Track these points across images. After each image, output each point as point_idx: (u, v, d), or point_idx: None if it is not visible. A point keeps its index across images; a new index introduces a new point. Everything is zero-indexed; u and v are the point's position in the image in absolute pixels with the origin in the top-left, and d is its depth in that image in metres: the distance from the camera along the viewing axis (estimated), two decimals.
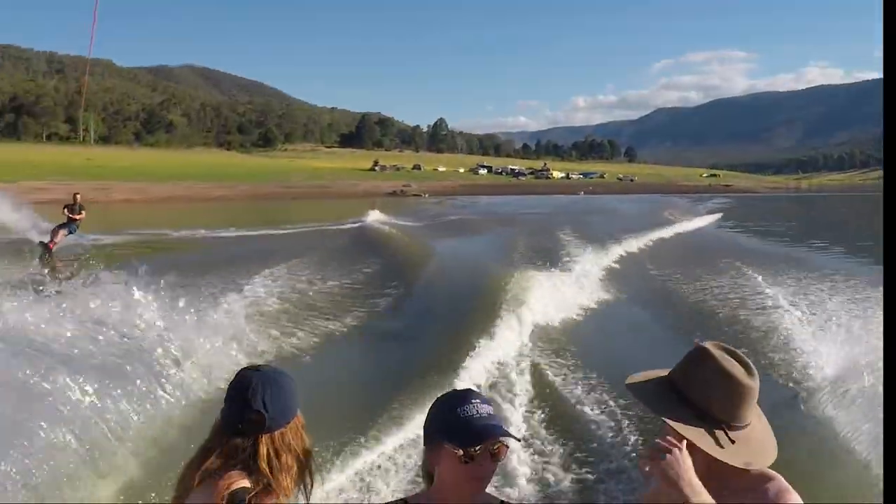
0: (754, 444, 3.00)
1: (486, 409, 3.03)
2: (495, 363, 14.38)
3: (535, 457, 10.21)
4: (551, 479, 9.59)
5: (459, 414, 3.03)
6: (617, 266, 30.15)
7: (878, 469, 8.77)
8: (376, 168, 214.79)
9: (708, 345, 3.05)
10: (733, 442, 2.94)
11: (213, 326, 15.12)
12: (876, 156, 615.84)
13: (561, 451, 10.40)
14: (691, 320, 19.91)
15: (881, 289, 12.62)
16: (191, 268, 23.93)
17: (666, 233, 45.28)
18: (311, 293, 22.12)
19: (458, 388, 9.38)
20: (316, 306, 20.28)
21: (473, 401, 3.06)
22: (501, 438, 3.00)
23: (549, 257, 26.32)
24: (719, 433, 2.94)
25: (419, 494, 3.24)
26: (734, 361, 3.00)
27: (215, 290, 19.34)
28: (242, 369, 3.10)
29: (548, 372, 14.29)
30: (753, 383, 2.99)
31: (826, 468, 9.47)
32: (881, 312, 12.33)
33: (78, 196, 36.36)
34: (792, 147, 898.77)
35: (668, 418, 2.96)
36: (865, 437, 9.84)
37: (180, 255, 35.35)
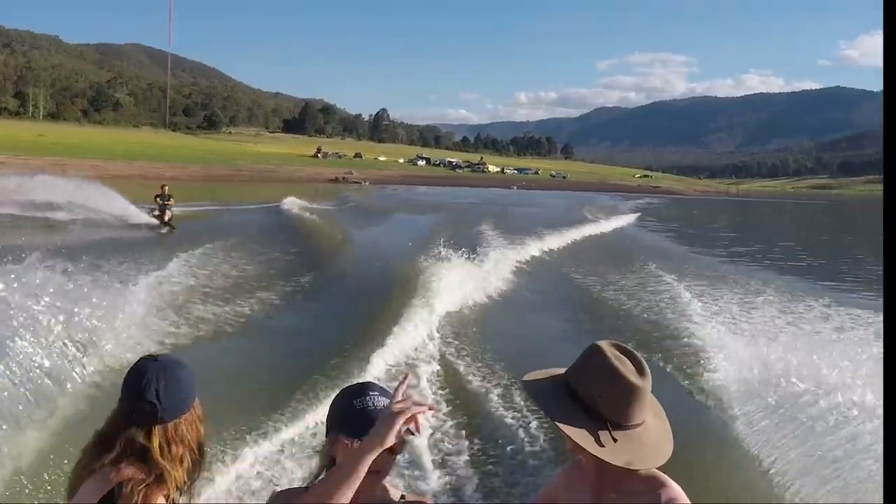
0: (643, 444, 3.00)
1: (382, 402, 3.08)
2: (404, 353, 14.55)
3: (439, 449, 10.30)
4: (455, 471, 9.70)
5: (356, 406, 3.10)
6: (532, 260, 30.67)
7: (775, 470, 9.50)
8: (319, 155, 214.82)
9: (602, 343, 3.06)
10: (615, 441, 2.94)
11: (119, 311, 15.02)
12: (808, 165, 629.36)
13: (466, 443, 10.56)
14: (601, 317, 20.44)
15: (786, 293, 20.72)
16: (114, 248, 24.62)
17: (583, 230, 45.75)
18: (226, 277, 22.16)
19: (364, 378, 10.33)
20: (228, 291, 20.22)
21: (371, 393, 3.13)
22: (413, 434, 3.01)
23: (467, 248, 25.72)
24: (603, 432, 2.94)
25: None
26: (626, 360, 3.01)
27: (129, 273, 19.88)
28: (140, 359, 3.12)
29: (456, 364, 14.44)
30: (643, 383, 2.99)
31: (726, 469, 9.87)
32: (785, 315, 18.23)
33: (165, 187, 39.12)
34: (729, 152, 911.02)
35: (553, 416, 2.99)
36: (765, 440, 10.33)
37: (108, 233, 34.28)
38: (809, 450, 9.56)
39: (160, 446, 2.96)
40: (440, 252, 23.80)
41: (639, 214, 72.89)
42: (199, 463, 3.10)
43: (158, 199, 38.92)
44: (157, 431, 2.98)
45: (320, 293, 21.32)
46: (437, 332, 16.63)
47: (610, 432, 2.91)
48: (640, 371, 2.97)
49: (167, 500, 2.95)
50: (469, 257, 24.51)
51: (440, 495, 9.01)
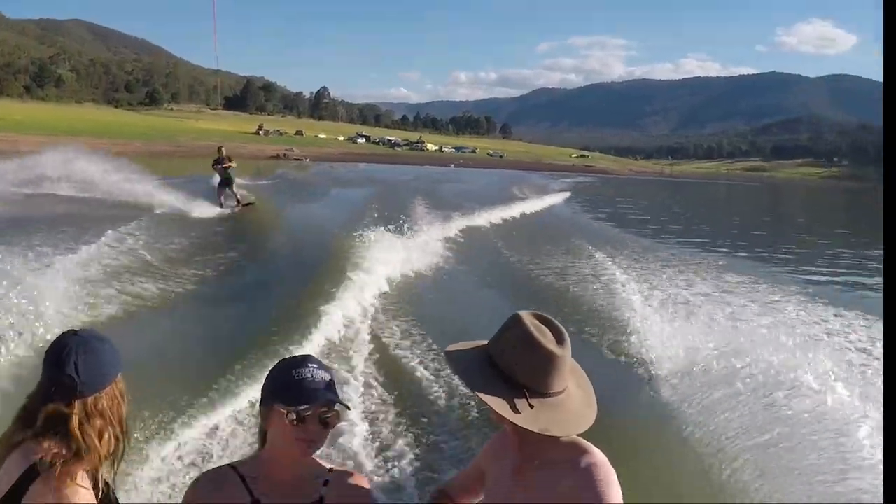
0: (562, 412, 3.01)
1: (320, 375, 3.11)
2: (336, 330, 14.41)
3: (373, 423, 10.34)
4: (386, 445, 9.72)
5: (294, 376, 3.11)
6: (463, 236, 30.45)
7: (702, 448, 9.43)
8: (260, 132, 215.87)
9: (522, 313, 3.07)
10: (532, 407, 2.95)
11: (45, 289, 14.67)
12: (742, 148, 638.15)
13: (398, 418, 10.61)
14: (532, 292, 20.38)
15: (716, 272, 22.65)
16: (51, 225, 23.91)
17: (513, 208, 44.95)
18: (154, 253, 21.63)
19: (298, 353, 9.90)
20: (158, 267, 19.90)
21: (310, 365, 3.15)
22: (335, 406, 3.10)
23: (400, 223, 25.86)
24: (520, 400, 2.95)
25: (247, 460, 3.33)
26: (545, 329, 3.03)
27: (62, 247, 19.58)
28: (61, 333, 3.07)
29: (388, 339, 14.46)
30: (562, 352, 3.00)
31: (654, 438, 9.94)
32: (716, 292, 19.57)
33: (223, 148, 36.68)
34: (665, 134, 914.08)
35: (471, 385, 3.01)
36: (694, 417, 10.32)
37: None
38: (737, 417, 9.96)
39: (80, 421, 2.93)
40: (373, 228, 23.95)
41: (569, 193, 72.39)
42: (122, 438, 3.10)
43: (216, 166, 36.37)
44: (76, 405, 2.95)
45: (250, 271, 21.12)
46: (370, 307, 16.67)
47: (527, 399, 2.95)
48: (560, 340, 3.02)
49: (90, 476, 2.93)
50: (401, 233, 24.86)
51: (371, 468, 9.10)
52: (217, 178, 36.37)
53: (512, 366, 2.96)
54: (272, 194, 45.73)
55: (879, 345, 14.66)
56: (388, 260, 20.68)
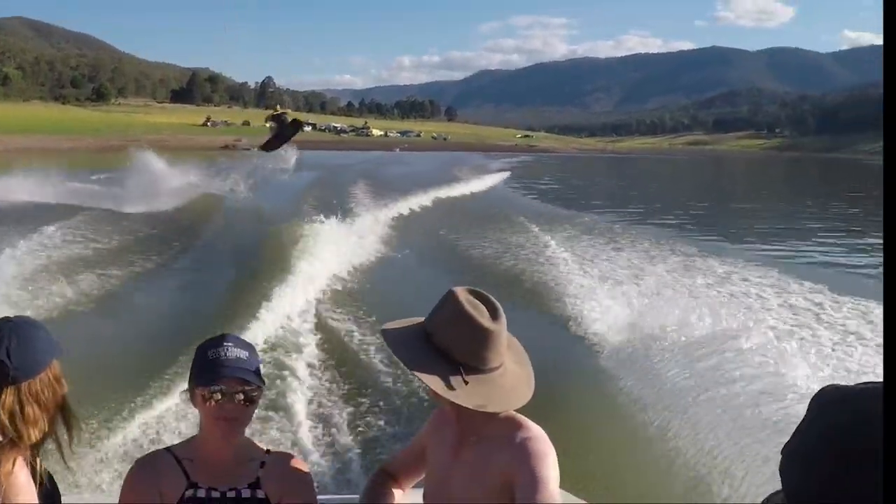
0: (498, 387, 3.00)
1: (236, 353, 3.10)
2: (281, 316, 14.46)
3: (318, 405, 10.55)
4: (330, 425, 9.95)
5: (208, 356, 3.10)
6: (405, 218, 30.99)
7: (649, 423, 9.67)
8: (209, 124, 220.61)
9: (457, 289, 3.07)
10: (467, 384, 2.94)
11: None
12: (684, 122, 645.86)
13: (344, 399, 10.87)
14: (474, 271, 20.58)
15: (657, 246, 24.59)
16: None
17: (452, 189, 45.96)
18: (96, 248, 21.78)
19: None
20: (99, 260, 20.08)
21: (226, 343, 3.12)
22: (250, 383, 3.07)
23: (343, 209, 26.10)
24: (455, 376, 2.94)
25: (184, 443, 3.31)
26: (479, 304, 3.02)
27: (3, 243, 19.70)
28: None
29: (334, 321, 14.67)
30: (496, 327, 2.99)
31: (595, 416, 10.13)
32: (654, 266, 20.85)
33: (278, 106, 40.42)
34: (608, 111, 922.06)
35: (406, 362, 3.02)
36: (636, 386, 10.61)
37: None
38: (677, 382, 10.28)
39: (11, 407, 2.83)
40: (316, 213, 24.20)
41: (508, 174, 72.63)
42: (57, 423, 2.97)
43: (271, 123, 40.20)
44: (8, 391, 2.85)
45: (195, 262, 21.40)
46: (314, 291, 16.78)
47: (462, 376, 2.94)
48: (494, 315, 3.02)
49: (27, 464, 2.84)
50: (345, 217, 25.13)
51: (316, 450, 9.25)
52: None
53: (447, 342, 2.99)
54: (222, 182, 48.16)
55: (817, 302, 16.41)
56: (331, 244, 20.98)
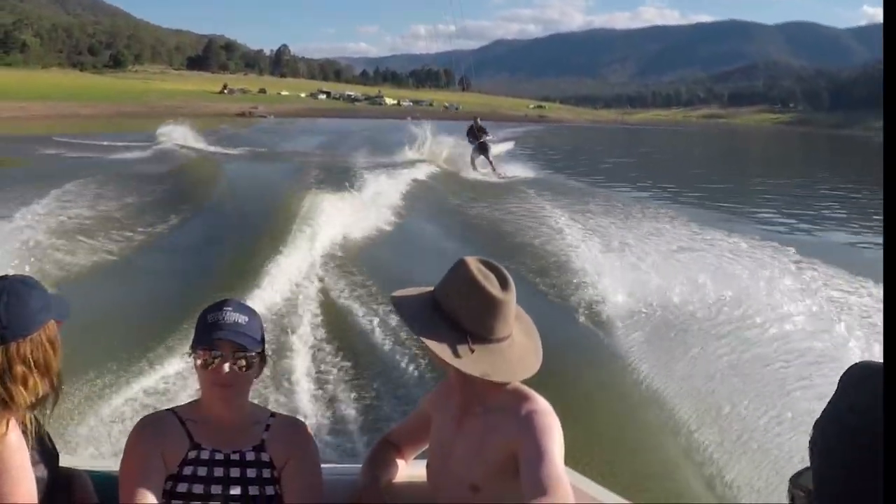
0: (505, 358, 3.01)
1: (234, 318, 3.13)
2: (286, 287, 14.30)
3: (320, 374, 10.44)
4: (335, 395, 9.80)
5: (207, 320, 3.14)
6: (407, 187, 29.82)
7: (659, 401, 9.36)
8: (225, 91, 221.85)
9: (468, 258, 3.09)
10: (473, 352, 2.96)
11: None
12: (700, 95, 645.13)
13: (346, 368, 10.68)
14: (474, 240, 20.31)
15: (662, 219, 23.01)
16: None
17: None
18: (99, 213, 21.57)
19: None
20: (103, 226, 19.85)
21: (225, 308, 3.16)
22: (246, 348, 3.10)
23: (350, 178, 25.88)
24: (461, 344, 2.96)
25: (188, 404, 3.35)
26: (490, 274, 3.04)
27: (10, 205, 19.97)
28: None
29: (337, 290, 14.41)
30: (506, 297, 3.02)
31: (602, 390, 9.85)
32: (659, 241, 18.81)
33: (478, 119, 38.52)
34: (624, 83, 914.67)
35: (414, 328, 3.06)
36: (648, 367, 10.23)
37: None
38: (689, 364, 9.97)
39: (1, 367, 2.79)
40: (322, 180, 24.35)
41: (512, 144, 66.01)
42: (50, 386, 2.93)
43: (471, 139, 37.73)
44: None
45: (198, 229, 20.91)
46: (319, 260, 16.52)
47: (469, 344, 2.96)
48: (504, 285, 3.04)
49: (20, 424, 2.84)
50: (350, 185, 24.72)
51: (318, 419, 9.13)
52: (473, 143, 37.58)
53: (456, 310, 3.01)
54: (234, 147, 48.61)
55: (813, 273, 15.58)
56: (337, 211, 20.58)
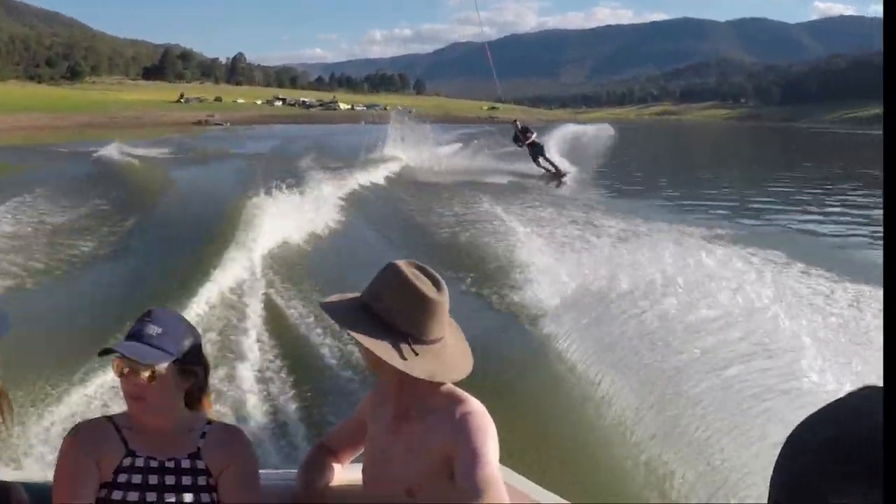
0: (443, 359, 3.05)
1: (150, 329, 3.06)
2: (228, 290, 14.30)
3: (263, 380, 10.38)
4: (277, 400, 9.77)
5: (130, 331, 3.09)
6: (350, 190, 29.78)
7: (594, 397, 9.31)
8: (182, 100, 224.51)
9: (399, 262, 3.11)
10: (416, 354, 2.97)
11: None
12: (653, 93, 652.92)
13: (289, 374, 10.59)
14: (423, 245, 19.91)
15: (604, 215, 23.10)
16: None
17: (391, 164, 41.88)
18: (39, 224, 21.47)
19: (188, 314, 11.19)
20: (46, 237, 19.81)
21: (145, 319, 3.11)
22: (144, 360, 3.01)
23: (293, 182, 25.29)
24: (404, 346, 2.97)
25: (125, 412, 3.24)
26: (421, 275, 3.07)
27: None
28: None
29: (280, 296, 14.38)
30: (440, 298, 3.04)
31: (534, 387, 9.82)
32: (597, 238, 18.72)
33: (518, 122, 37.92)
34: (580, 83, 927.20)
35: (354, 331, 3.02)
36: (584, 363, 10.11)
37: None
38: (618, 352, 9.91)
39: None
40: (267, 185, 23.47)
41: (459, 145, 63.54)
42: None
43: (520, 145, 37.23)
44: None
45: (140, 238, 20.71)
46: (262, 266, 16.43)
47: (410, 346, 2.98)
48: (437, 286, 3.07)
49: None
50: (294, 190, 24.44)
51: (259, 424, 9.17)
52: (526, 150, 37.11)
53: (392, 313, 3.01)
54: (173, 154, 49.49)
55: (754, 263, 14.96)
56: (280, 216, 20.68)
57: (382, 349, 2.96)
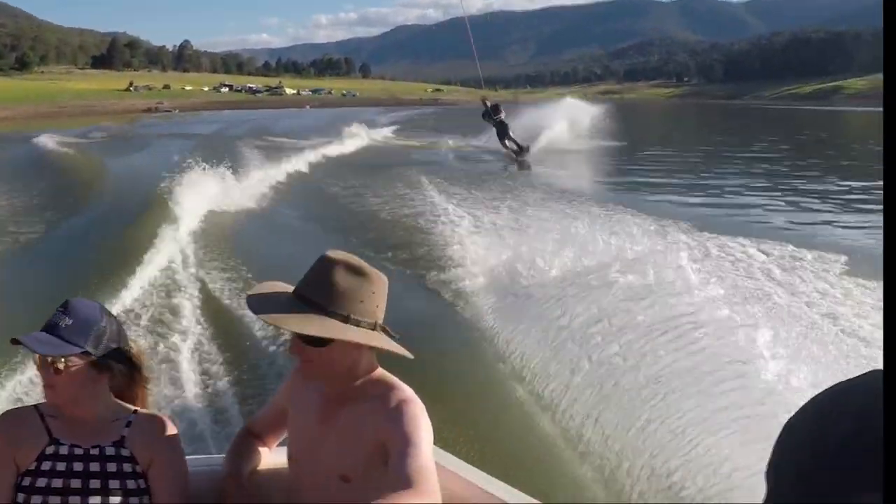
0: (389, 341, 3.05)
1: (63, 321, 3.06)
2: (159, 274, 14.22)
3: (198, 364, 10.35)
4: (210, 386, 9.72)
5: (46, 321, 3.08)
6: (285, 175, 30.03)
7: (517, 356, 9.67)
8: (132, 88, 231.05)
9: (330, 252, 3.09)
10: (358, 325, 2.96)
11: None
12: (597, 72, 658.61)
13: (224, 360, 10.56)
14: (358, 228, 19.66)
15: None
16: None
17: (332, 147, 42.69)
18: None
19: (119, 302, 11.97)
20: None
21: (61, 310, 3.11)
22: (45, 352, 3.01)
23: (227, 164, 25.11)
24: (345, 324, 2.94)
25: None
26: (357, 263, 3.06)
27: None
28: None
29: (213, 282, 14.16)
30: (376, 286, 3.05)
31: (470, 367, 9.93)
32: (528, 219, 18.08)
33: (487, 100, 38.01)
34: (524, 63, 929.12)
35: (284, 319, 2.99)
36: (516, 343, 10.13)
37: None
38: (542, 332, 9.96)
39: None
40: (201, 169, 23.40)
41: (396, 126, 69.11)
42: None
43: (487, 118, 37.22)
44: None
45: (69, 226, 20.47)
46: (192, 251, 16.26)
47: (350, 323, 2.96)
48: (370, 272, 3.07)
49: None
50: (228, 173, 24.38)
51: (193, 408, 9.11)
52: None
53: (330, 301, 2.98)
54: (94, 147, 46.94)
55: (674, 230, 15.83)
56: (212, 202, 20.74)
57: (324, 326, 2.95)
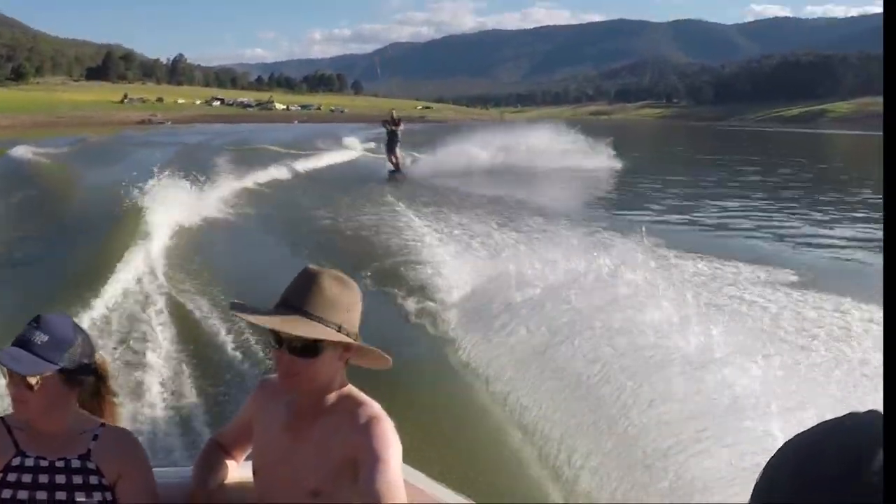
0: (366, 350, 3.10)
1: (36, 337, 3.06)
2: (130, 288, 14.08)
3: (168, 378, 10.24)
4: (179, 400, 9.65)
5: (17, 336, 3.08)
6: (259, 188, 30.28)
7: (495, 394, 9.44)
8: (126, 100, 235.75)
9: (312, 266, 3.10)
10: (348, 335, 2.99)
11: None
12: (588, 92, 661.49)
13: (194, 370, 10.53)
14: (327, 244, 19.66)
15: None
16: None
17: (320, 160, 44.29)
18: None
19: (87, 316, 11.83)
20: None
21: (33, 325, 3.10)
22: (21, 371, 3.00)
23: (201, 178, 25.40)
24: (339, 333, 2.96)
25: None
26: (339, 275, 3.10)
27: None
28: None
29: (183, 296, 14.03)
30: (355, 297, 3.09)
31: (447, 392, 9.85)
32: (505, 235, 19.22)
33: (394, 112, 38.65)
34: (516, 82, 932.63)
35: (293, 326, 2.93)
36: (487, 362, 10.19)
37: None
38: (517, 350, 9.97)
39: None
40: (174, 184, 23.49)
41: (374, 144, 62.85)
42: None
43: (389, 125, 37.80)
44: None
45: (39, 240, 20.38)
46: (163, 265, 16.16)
47: (334, 328, 2.97)
48: (353, 287, 3.12)
49: None
50: (203, 186, 24.68)
51: (162, 421, 9.07)
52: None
53: (327, 308, 2.98)
54: (70, 157, 47.33)
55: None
56: (185, 214, 20.76)
57: (311, 328, 2.95)
